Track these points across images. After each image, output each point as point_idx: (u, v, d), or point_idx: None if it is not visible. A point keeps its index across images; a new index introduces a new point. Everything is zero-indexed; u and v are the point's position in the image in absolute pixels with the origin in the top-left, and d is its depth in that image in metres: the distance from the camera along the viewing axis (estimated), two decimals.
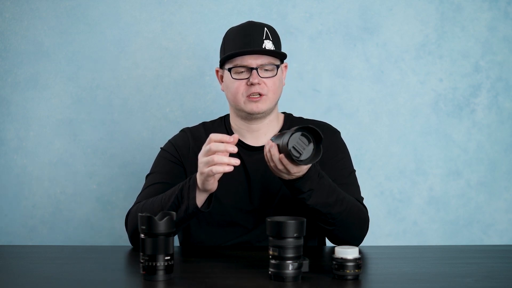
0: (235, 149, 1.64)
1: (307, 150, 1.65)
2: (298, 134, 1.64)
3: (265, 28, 1.95)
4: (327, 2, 2.59)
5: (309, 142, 1.65)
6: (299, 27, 2.59)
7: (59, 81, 2.57)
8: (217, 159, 1.64)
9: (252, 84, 1.91)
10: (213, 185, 1.71)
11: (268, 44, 1.93)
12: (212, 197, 1.75)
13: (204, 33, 2.57)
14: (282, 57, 1.96)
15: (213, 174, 1.66)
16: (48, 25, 2.56)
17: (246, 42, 1.91)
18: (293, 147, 1.64)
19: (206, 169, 1.65)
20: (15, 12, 2.56)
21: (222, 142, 1.64)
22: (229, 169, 1.64)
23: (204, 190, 1.72)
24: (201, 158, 1.68)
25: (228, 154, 1.65)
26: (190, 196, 1.72)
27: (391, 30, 2.60)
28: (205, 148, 1.67)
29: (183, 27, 2.57)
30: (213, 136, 1.65)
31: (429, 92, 2.61)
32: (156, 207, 1.78)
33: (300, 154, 1.64)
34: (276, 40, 1.96)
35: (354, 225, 1.85)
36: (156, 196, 1.83)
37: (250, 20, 2.01)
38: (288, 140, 1.63)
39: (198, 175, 1.71)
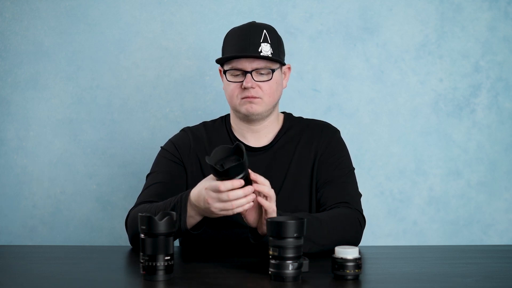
0: (252, 190, 1.62)
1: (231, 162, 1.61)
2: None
3: (264, 30, 1.93)
4: (327, 2, 2.59)
5: (233, 156, 1.62)
6: (299, 27, 2.59)
7: (59, 81, 2.57)
8: (236, 205, 1.62)
9: (246, 88, 1.91)
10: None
11: (266, 47, 1.92)
12: (206, 220, 1.75)
13: (204, 33, 2.57)
14: (279, 61, 1.95)
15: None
16: (48, 25, 2.56)
17: (243, 45, 1.91)
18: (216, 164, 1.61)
19: (224, 213, 1.64)
20: (15, 12, 2.56)
21: (234, 189, 1.60)
22: (249, 206, 1.64)
23: (202, 215, 1.71)
24: (214, 203, 1.63)
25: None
26: (181, 218, 1.71)
27: (391, 30, 2.60)
28: (217, 196, 1.62)
29: (183, 27, 2.57)
30: (222, 186, 1.60)
31: (429, 92, 2.61)
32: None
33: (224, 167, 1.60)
34: (276, 43, 1.95)
35: (345, 236, 1.82)
36: (151, 206, 1.82)
37: (253, 20, 2.01)
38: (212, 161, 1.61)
39: (203, 210, 1.68)
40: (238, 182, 1.60)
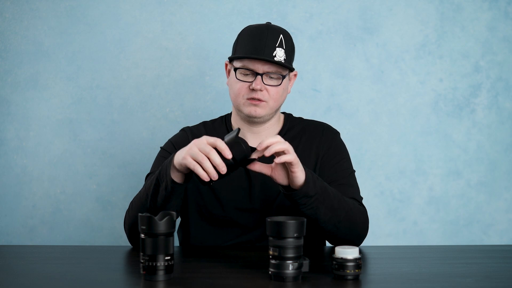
0: (224, 169, 1.63)
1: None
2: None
3: (281, 35, 1.93)
4: (327, 2, 2.59)
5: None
6: (299, 27, 2.59)
7: (59, 81, 2.57)
8: (205, 165, 1.62)
9: (254, 89, 1.91)
10: (186, 170, 1.70)
11: (280, 53, 1.91)
12: (191, 174, 1.74)
13: (204, 33, 2.57)
14: (290, 68, 1.95)
15: (191, 169, 1.65)
16: (48, 25, 2.56)
17: (258, 46, 1.90)
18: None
19: (188, 161, 1.64)
20: (15, 12, 2.56)
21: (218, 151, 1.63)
22: (213, 175, 1.63)
23: (178, 170, 1.71)
24: (194, 147, 1.65)
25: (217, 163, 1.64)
26: (167, 173, 1.72)
27: (391, 30, 2.60)
28: (204, 140, 1.64)
29: (183, 27, 2.57)
30: (219, 143, 1.62)
31: (429, 92, 2.61)
32: (143, 192, 1.80)
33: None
34: (289, 49, 1.95)
35: (357, 225, 1.85)
36: (143, 187, 1.83)
37: (269, 22, 2.01)
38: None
39: (178, 154, 1.70)
40: (225, 146, 1.62)
